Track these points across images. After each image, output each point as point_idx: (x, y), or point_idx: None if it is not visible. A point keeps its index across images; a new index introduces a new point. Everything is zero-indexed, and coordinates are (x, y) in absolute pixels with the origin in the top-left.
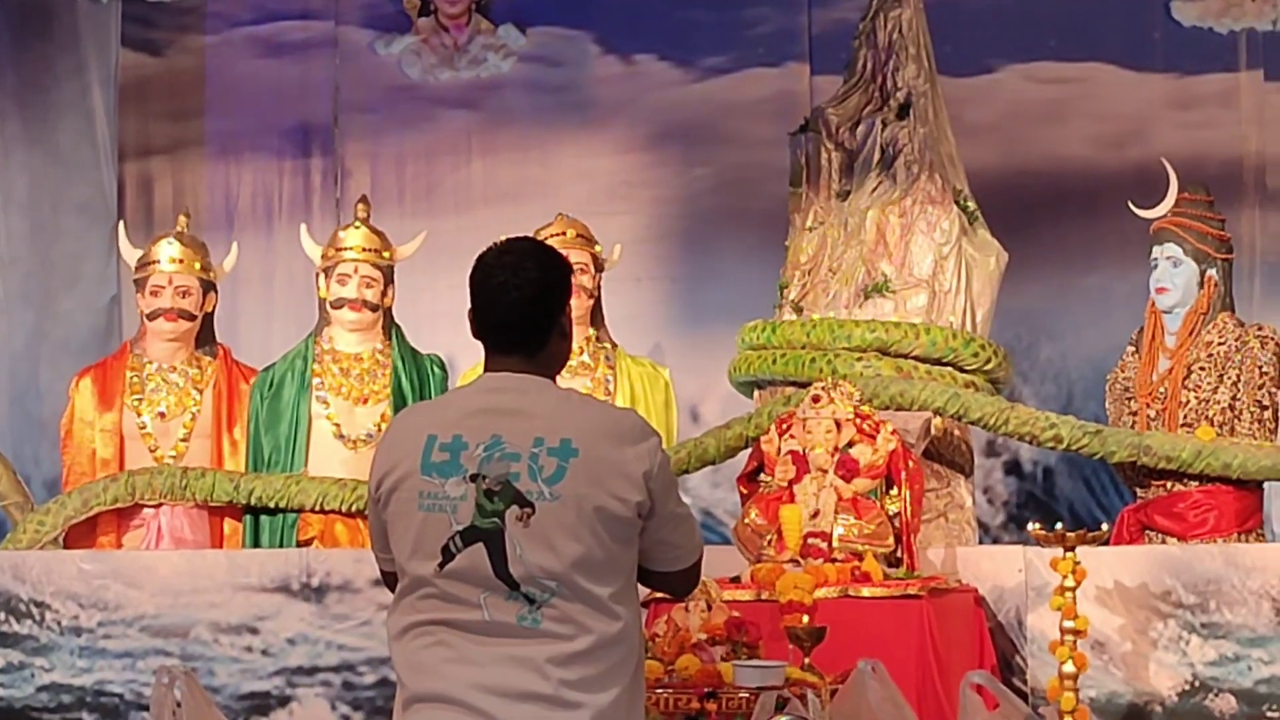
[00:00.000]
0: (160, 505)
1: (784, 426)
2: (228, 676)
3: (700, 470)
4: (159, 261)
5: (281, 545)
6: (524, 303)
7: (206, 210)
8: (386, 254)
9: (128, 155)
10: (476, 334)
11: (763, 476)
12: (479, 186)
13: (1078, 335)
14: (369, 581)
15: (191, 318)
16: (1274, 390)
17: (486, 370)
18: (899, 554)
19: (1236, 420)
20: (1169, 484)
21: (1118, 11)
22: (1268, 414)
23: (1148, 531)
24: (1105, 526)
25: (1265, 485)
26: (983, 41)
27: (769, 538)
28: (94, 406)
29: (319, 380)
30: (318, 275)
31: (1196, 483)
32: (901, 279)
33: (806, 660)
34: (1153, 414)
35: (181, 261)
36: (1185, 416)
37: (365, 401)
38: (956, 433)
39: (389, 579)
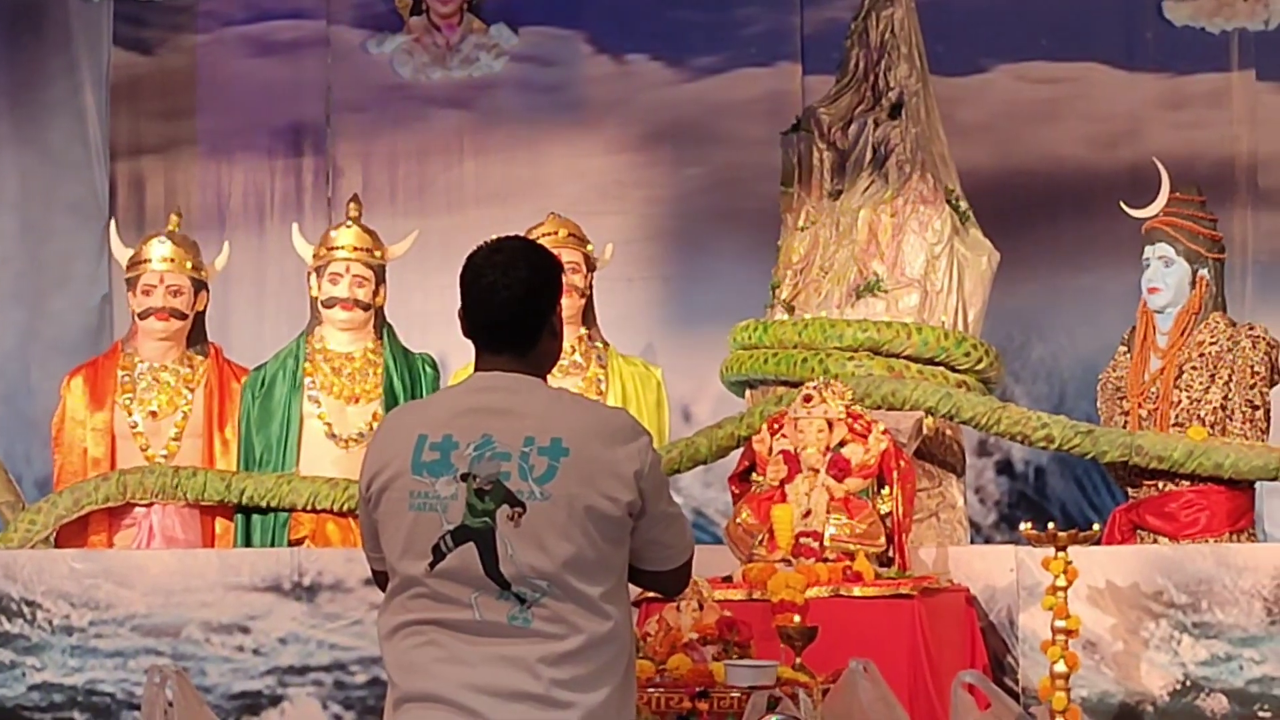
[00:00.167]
0: (152, 504)
1: (776, 426)
2: (219, 676)
3: (692, 470)
4: (150, 260)
5: (273, 545)
6: (514, 302)
7: (198, 209)
8: (378, 253)
9: (119, 154)
10: (467, 333)
11: (754, 476)
12: (471, 186)
13: (1070, 335)
14: (360, 581)
15: (183, 317)
16: (1265, 390)
17: (477, 369)
18: (891, 553)
19: (1228, 420)
20: (1161, 484)
21: (1110, 11)
22: (1259, 414)
23: (1139, 531)
24: (1097, 526)
25: (1257, 485)
26: (975, 41)
27: (761, 537)
28: (85, 405)
29: (310, 379)
30: (309, 274)
31: (1188, 482)
32: (893, 279)
33: (798, 660)
34: (1144, 414)
35: (173, 260)
36: (1177, 416)
37: (357, 401)
38: (948, 432)
39: (380, 578)
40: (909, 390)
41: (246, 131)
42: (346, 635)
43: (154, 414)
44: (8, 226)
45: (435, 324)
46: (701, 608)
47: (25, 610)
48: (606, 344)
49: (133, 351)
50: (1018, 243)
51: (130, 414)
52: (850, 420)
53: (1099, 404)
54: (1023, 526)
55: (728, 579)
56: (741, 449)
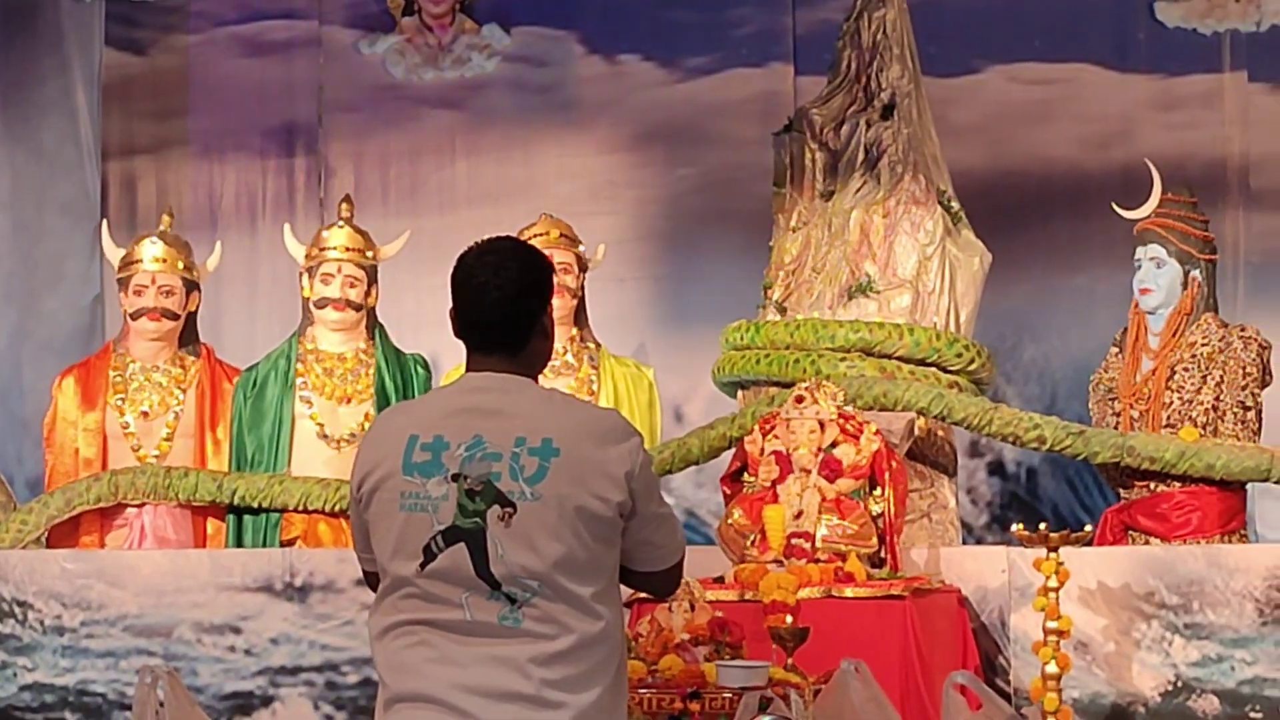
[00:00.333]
0: (143, 505)
1: (767, 427)
2: (211, 676)
3: (684, 470)
4: (142, 261)
5: (264, 545)
6: (505, 302)
7: (190, 209)
8: (370, 254)
9: (111, 154)
10: (458, 333)
11: (746, 477)
12: (463, 186)
13: (1061, 336)
14: (352, 581)
15: (175, 317)
16: (1257, 391)
17: (468, 370)
18: (882, 554)
19: (1220, 421)
20: (1152, 485)
21: (1102, 12)
22: (1251, 415)
23: (1131, 532)
24: (1088, 527)
25: (1248, 486)
26: (967, 42)
27: (752, 538)
28: (77, 406)
29: (302, 380)
30: (301, 275)
31: (1180, 483)
32: (885, 279)
33: (790, 660)
34: (1136, 415)
35: (165, 261)
36: (1169, 417)
37: (348, 401)
38: (940, 433)
39: (371, 579)
40: (901, 391)
41: (238, 131)
42: (338, 636)
43: (146, 414)
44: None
45: (427, 324)
46: (693, 608)
47: (17, 610)
48: (598, 344)
49: (124, 352)
50: (1010, 244)
51: (122, 414)
52: (842, 421)
53: (1091, 405)
54: (1014, 527)
55: (719, 579)
56: (733, 449)
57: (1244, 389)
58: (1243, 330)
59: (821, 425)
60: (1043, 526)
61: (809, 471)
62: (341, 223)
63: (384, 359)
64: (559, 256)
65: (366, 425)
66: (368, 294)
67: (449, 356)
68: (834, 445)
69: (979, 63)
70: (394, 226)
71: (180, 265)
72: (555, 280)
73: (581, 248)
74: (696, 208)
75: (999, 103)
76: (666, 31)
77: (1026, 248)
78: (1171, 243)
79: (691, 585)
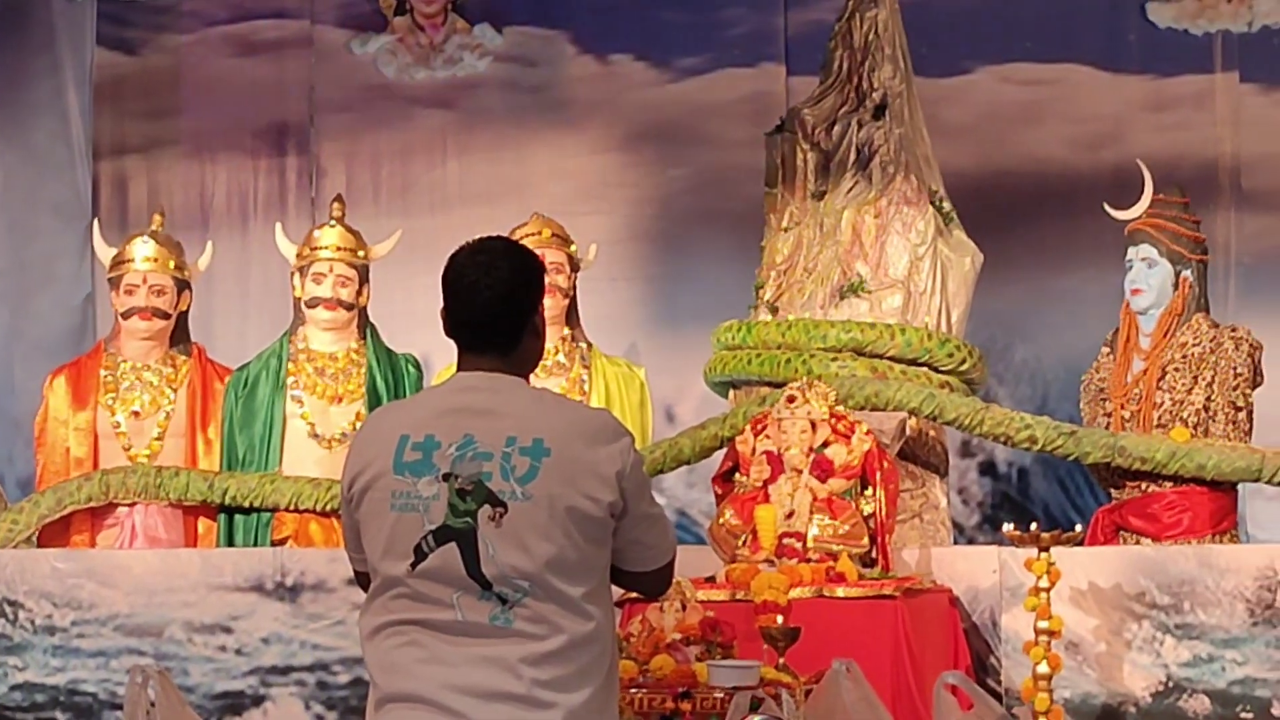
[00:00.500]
0: (134, 504)
1: (759, 427)
2: (201, 676)
3: (675, 470)
4: (133, 260)
5: (256, 544)
6: (496, 302)
7: (181, 209)
8: (361, 253)
9: (103, 154)
10: (449, 333)
11: (738, 476)
12: (454, 186)
13: (1053, 336)
14: (343, 581)
15: (166, 316)
16: (1248, 391)
17: (459, 369)
18: (874, 554)
19: (1211, 421)
20: (1143, 485)
21: (1093, 13)
22: (1242, 415)
23: (1122, 532)
24: (1080, 527)
25: (1239, 486)
26: (958, 42)
27: (744, 538)
28: (68, 405)
29: (294, 379)
30: (293, 274)
31: (1171, 484)
32: (877, 279)
33: (781, 660)
34: (1127, 415)
35: (156, 260)
36: (1160, 418)
37: (340, 401)
38: (931, 433)
39: (362, 579)
40: (892, 391)
41: (230, 131)
42: (329, 635)
43: (137, 414)
44: None
45: (418, 324)
46: (684, 608)
47: (7, 610)
48: (590, 344)
49: (115, 351)
50: (1001, 244)
51: (113, 413)
52: (833, 421)
53: (1082, 405)
54: (1006, 527)
55: (711, 579)
56: (725, 449)
57: (1235, 389)
58: (1234, 331)
59: (813, 425)
60: (1034, 527)
61: (800, 471)
62: (333, 222)
63: (375, 358)
64: (550, 256)
65: (358, 425)
66: (359, 293)
67: (440, 356)
68: (825, 445)
69: (970, 63)
70: (385, 226)
71: (171, 265)
72: (547, 280)
73: (573, 247)
74: (688, 208)
75: (990, 103)
76: (658, 31)
77: (1018, 248)
78: (1163, 243)
79: (683, 585)
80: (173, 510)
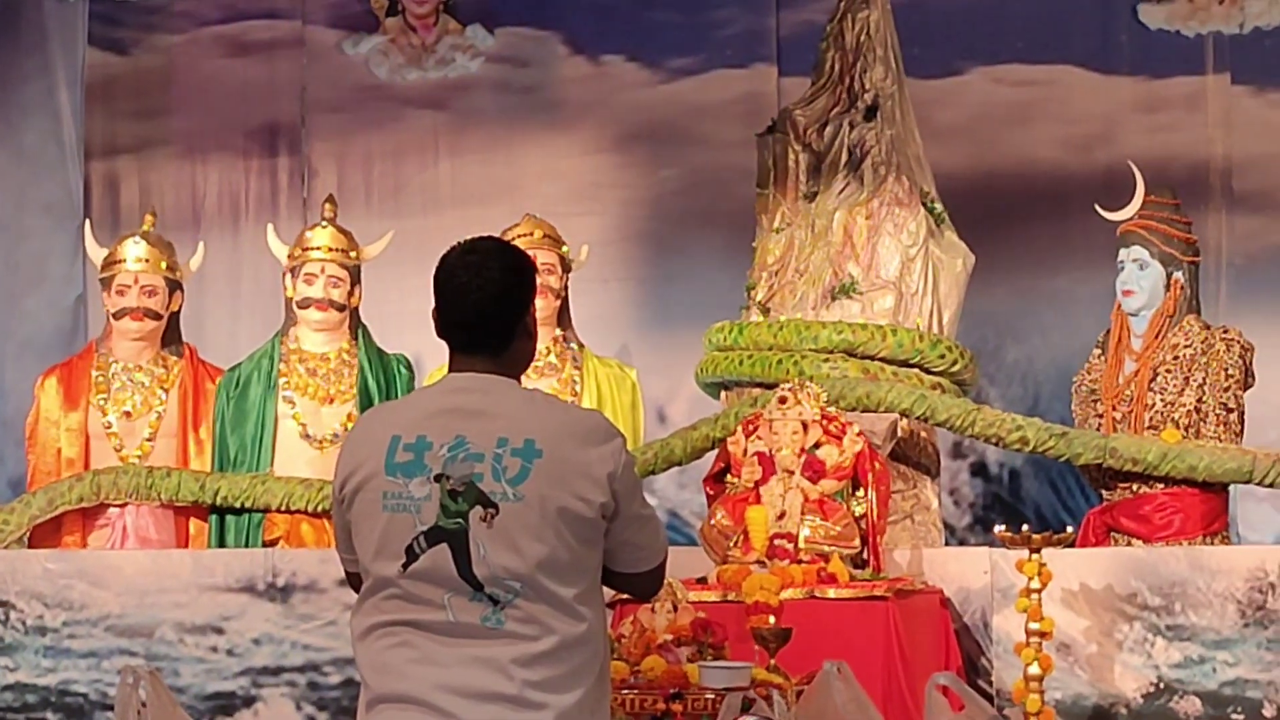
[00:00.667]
0: (125, 505)
1: (750, 428)
2: (193, 676)
3: (667, 471)
4: (125, 261)
5: (247, 545)
6: (487, 303)
7: (173, 209)
8: (353, 254)
9: (94, 154)
10: (441, 334)
11: (729, 478)
12: (446, 186)
13: (1044, 337)
14: (334, 582)
15: (157, 317)
16: (1239, 393)
17: (451, 370)
18: (865, 555)
19: (1202, 423)
20: (1135, 486)
21: (1085, 14)
22: (1233, 416)
23: (1113, 534)
24: (1071, 529)
25: (1231, 488)
26: (950, 43)
27: (735, 539)
28: (59, 406)
29: (285, 380)
30: (284, 275)
31: (1162, 485)
32: (868, 280)
33: (772, 661)
34: (1119, 416)
35: (147, 261)
36: (1151, 419)
37: (331, 401)
38: (923, 434)
39: (353, 580)
40: (884, 392)
41: (221, 131)
42: (320, 636)
43: (128, 414)
44: None
45: (410, 325)
46: (676, 609)
47: None
48: (582, 345)
49: (107, 352)
50: (993, 245)
51: (104, 414)
52: (825, 422)
53: (1073, 406)
54: (997, 529)
55: (702, 580)
56: (716, 450)
57: (1226, 391)
58: (1225, 332)
59: (804, 426)
60: (1025, 528)
61: (792, 472)
62: (324, 223)
63: (367, 359)
64: (542, 257)
65: (349, 425)
66: (351, 294)
67: (432, 357)
68: (817, 446)
69: (962, 64)
70: (377, 227)
71: (163, 265)
72: (538, 281)
73: (565, 248)
74: (680, 209)
75: (982, 104)
76: (650, 32)
77: (1009, 249)
78: (1154, 244)
79: (674, 586)
80: (164, 511)
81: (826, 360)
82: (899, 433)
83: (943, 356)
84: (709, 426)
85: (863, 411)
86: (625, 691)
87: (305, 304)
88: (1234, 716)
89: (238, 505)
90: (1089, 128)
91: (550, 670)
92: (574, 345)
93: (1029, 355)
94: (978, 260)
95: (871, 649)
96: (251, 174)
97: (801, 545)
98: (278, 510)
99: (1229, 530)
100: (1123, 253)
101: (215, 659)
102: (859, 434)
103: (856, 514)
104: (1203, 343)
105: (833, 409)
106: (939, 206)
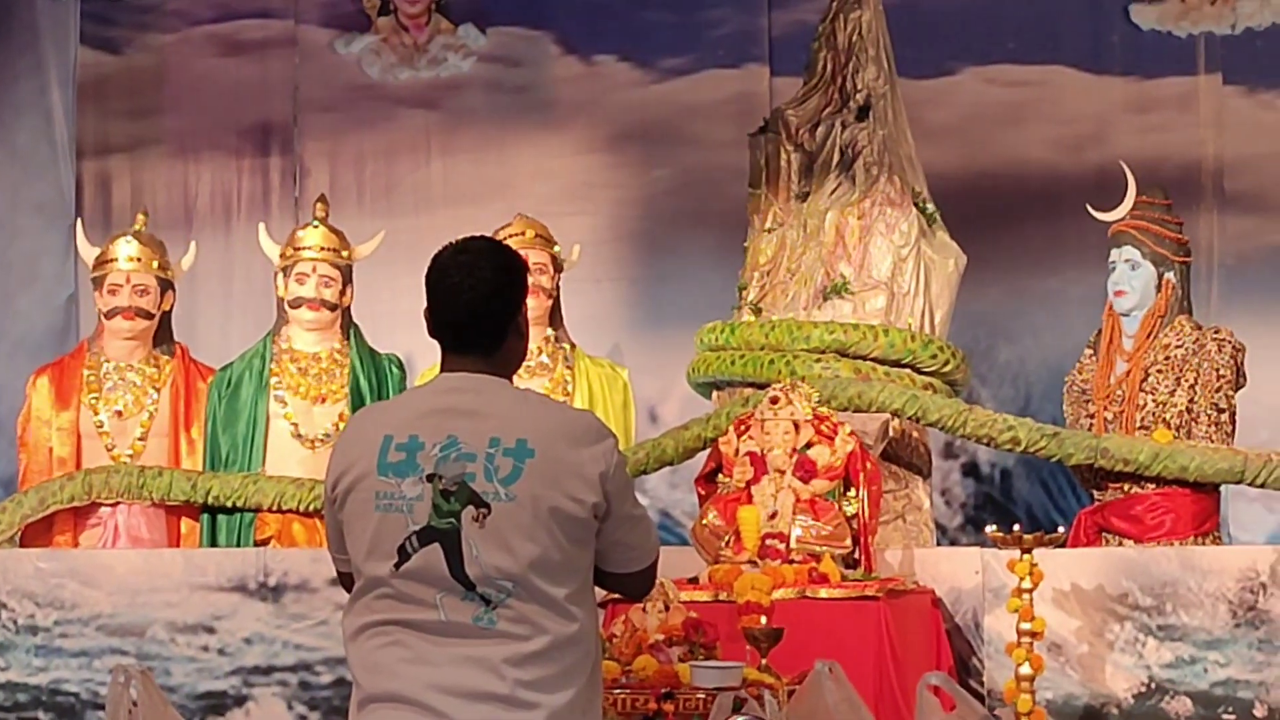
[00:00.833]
0: (117, 504)
1: (742, 428)
2: (184, 676)
3: (658, 471)
4: (117, 260)
5: (238, 544)
6: (479, 302)
7: (165, 209)
8: (345, 253)
9: (86, 154)
10: (433, 333)
11: (721, 477)
12: (438, 186)
13: (1036, 338)
14: (326, 581)
15: (149, 316)
16: (1231, 393)
17: (443, 370)
18: (856, 555)
19: (1194, 423)
20: (1126, 486)
21: (1077, 15)
22: (1224, 417)
23: (1105, 534)
24: (1062, 529)
25: (1222, 488)
26: (942, 44)
27: (727, 539)
28: (51, 405)
29: (277, 379)
30: (276, 274)
31: (1153, 485)
32: (860, 281)
33: (764, 661)
34: (1110, 416)
35: (139, 260)
36: (1142, 419)
37: (323, 401)
38: (915, 434)
39: (345, 579)
40: (875, 392)
41: (213, 131)
42: (312, 635)
43: (120, 413)
44: None
45: (402, 324)
46: (667, 609)
47: None
48: (573, 345)
49: (99, 351)
50: (984, 245)
51: (96, 413)
52: (817, 422)
53: (1065, 407)
54: (988, 529)
55: (694, 580)
56: (708, 450)
57: (1218, 391)
58: (1216, 332)
59: (796, 426)
60: (1016, 528)
61: (783, 472)
62: (316, 222)
63: (358, 359)
64: (534, 257)
65: (341, 425)
66: (342, 294)
67: (423, 356)
68: (809, 446)
69: (954, 64)
70: (369, 226)
71: (155, 264)
72: (530, 280)
73: (557, 248)
74: (672, 208)
75: (974, 104)
76: (642, 32)
77: (1001, 249)
78: (1146, 245)
79: (666, 586)
80: (155, 510)
81: (818, 360)
82: (890, 433)
83: (934, 357)
84: (701, 426)
85: (854, 411)
86: (617, 691)
87: (297, 303)
88: (1225, 717)
89: (229, 505)
90: (1081, 128)
91: (542, 670)
92: (566, 345)
93: (1020, 355)
94: (969, 260)
95: (863, 649)
96: (243, 173)
97: (793, 545)
98: (269, 510)
99: (1220, 530)
100: (1114, 253)
101: (207, 658)
102: (850, 434)
103: (848, 514)
104: (1194, 343)
105: (824, 409)
106: (931, 207)
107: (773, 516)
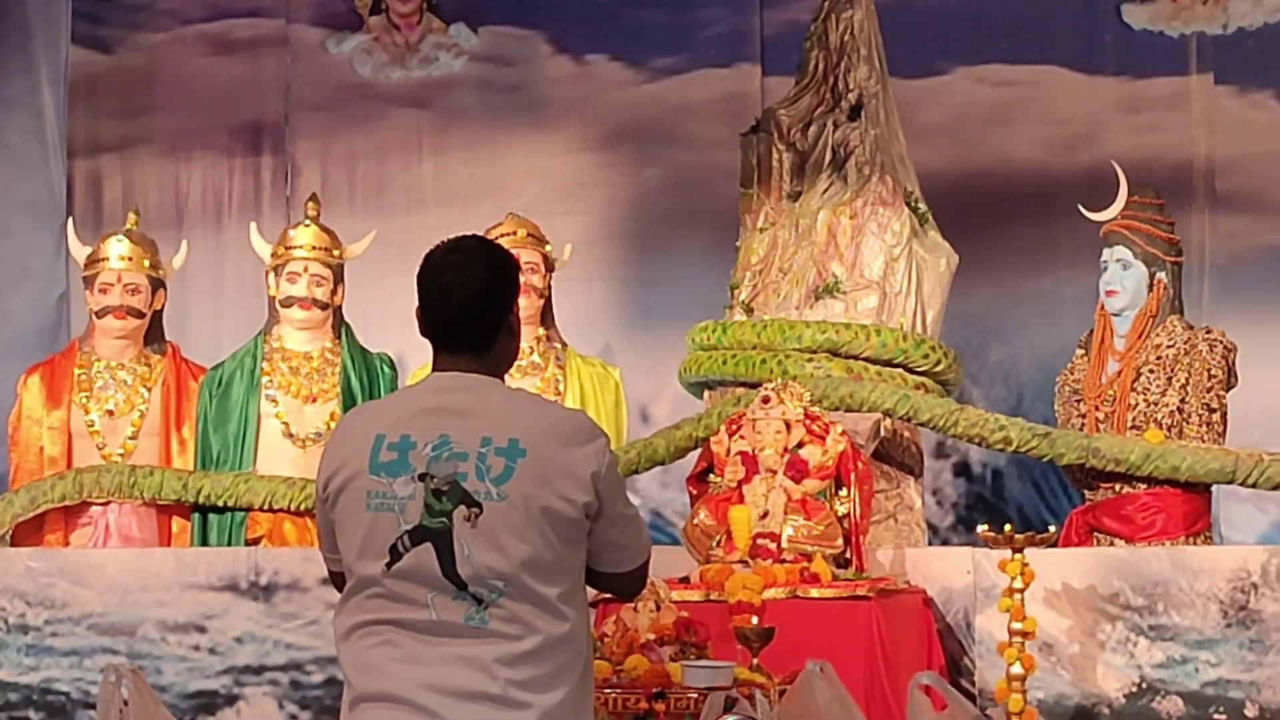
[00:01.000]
0: (108, 503)
1: (734, 427)
2: (175, 675)
3: (650, 471)
4: (108, 259)
5: (230, 544)
6: (471, 301)
7: (156, 208)
8: (336, 252)
9: (77, 152)
10: (424, 333)
11: (712, 477)
12: (430, 185)
13: (1027, 337)
14: (317, 580)
15: (140, 315)
16: (1222, 393)
17: (435, 369)
18: (848, 555)
19: (1185, 423)
20: (1117, 486)
21: (1068, 14)
22: (1216, 417)
23: (1096, 534)
24: (1053, 528)
25: (1213, 488)
26: (934, 43)
27: (718, 538)
28: (42, 404)
29: (268, 379)
30: (267, 273)
31: (1145, 485)
32: (852, 280)
33: (755, 661)
34: (1101, 416)
35: (130, 259)
36: (1134, 419)
37: (314, 400)
38: (906, 434)
39: (336, 579)
40: (867, 392)
41: (205, 130)
42: (303, 635)
43: (111, 412)
44: None
45: (393, 323)
46: (659, 608)
47: None
48: (565, 344)
49: (90, 350)
50: (976, 245)
51: (87, 412)
52: (808, 421)
53: (1056, 406)
54: (980, 529)
55: (685, 580)
56: (699, 450)
57: (1209, 391)
58: (1208, 332)
59: (788, 426)
60: (1008, 528)
61: (775, 472)
62: (308, 221)
63: (350, 358)
64: (525, 256)
65: (332, 424)
66: (334, 293)
67: (415, 356)
68: (800, 446)
69: (946, 64)
70: (360, 225)
71: (146, 263)
72: (522, 280)
73: (548, 247)
74: (663, 208)
75: (966, 104)
76: (634, 31)
77: (993, 249)
78: (1137, 245)
79: (657, 585)
80: (147, 509)
81: (810, 360)
82: (882, 432)
83: (926, 356)
84: (692, 426)
85: (846, 411)
86: (608, 691)
87: (288, 302)
88: (1216, 717)
89: (220, 504)
90: (1072, 128)
91: (533, 669)
92: (557, 344)
93: (1012, 355)
94: (961, 260)
95: (854, 649)
96: (235, 172)
97: (784, 545)
98: (260, 509)
99: (1211, 530)
100: (1106, 253)
101: (198, 658)
102: (842, 433)
103: (839, 514)
104: (1185, 343)
105: (816, 408)
106: (923, 206)
107: (764, 516)
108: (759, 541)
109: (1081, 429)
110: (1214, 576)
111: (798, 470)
